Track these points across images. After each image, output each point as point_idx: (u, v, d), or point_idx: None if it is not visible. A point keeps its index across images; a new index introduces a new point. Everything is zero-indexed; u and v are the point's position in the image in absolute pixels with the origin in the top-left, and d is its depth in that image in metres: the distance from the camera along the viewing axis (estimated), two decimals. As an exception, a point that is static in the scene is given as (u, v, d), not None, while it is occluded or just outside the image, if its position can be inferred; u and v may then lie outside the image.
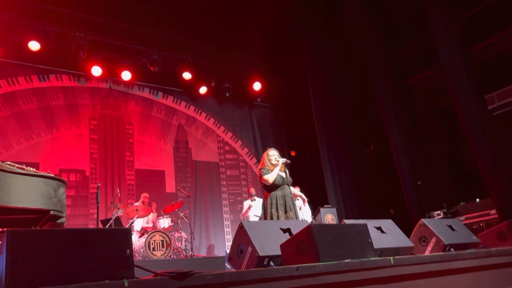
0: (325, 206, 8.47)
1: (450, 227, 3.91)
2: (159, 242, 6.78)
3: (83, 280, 1.61)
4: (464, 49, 7.58)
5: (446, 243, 3.61)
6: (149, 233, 6.79)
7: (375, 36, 8.97)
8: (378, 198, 9.25)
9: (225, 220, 9.95)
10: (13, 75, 8.30)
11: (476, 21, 7.95)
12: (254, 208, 8.16)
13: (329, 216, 8.15)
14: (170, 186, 9.58)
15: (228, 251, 9.23)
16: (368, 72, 9.12)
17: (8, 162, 2.96)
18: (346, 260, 2.32)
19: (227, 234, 9.84)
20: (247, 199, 8.90)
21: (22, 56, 8.25)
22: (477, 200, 7.57)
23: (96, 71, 8.88)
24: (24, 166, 3.04)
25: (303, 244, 2.37)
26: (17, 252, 1.54)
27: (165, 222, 7.43)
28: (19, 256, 1.54)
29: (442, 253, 3.08)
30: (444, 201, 8.07)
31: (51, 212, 3.01)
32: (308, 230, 2.34)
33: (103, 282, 1.62)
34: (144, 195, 7.99)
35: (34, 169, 3.05)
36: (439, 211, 7.85)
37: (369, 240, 2.53)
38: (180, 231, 7.83)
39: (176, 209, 7.88)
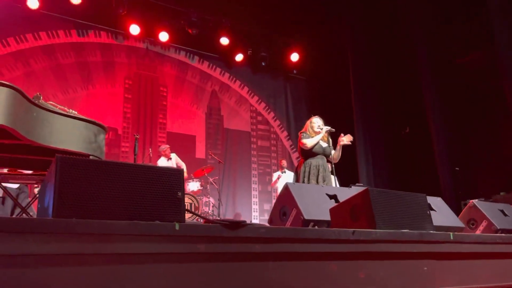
0: (356, 184, 8.23)
1: (502, 212, 3.66)
2: (188, 205, 6.76)
3: (133, 218, 1.49)
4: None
5: (498, 228, 3.37)
6: (178, 195, 6.76)
7: (423, 11, 8.47)
8: (412, 182, 8.90)
9: (253, 190, 9.86)
10: (53, 28, 8.29)
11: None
12: (283, 179, 8.02)
13: (360, 195, 7.92)
14: (200, 151, 9.52)
15: (254, 221, 9.20)
16: (413, 49, 8.66)
17: (51, 102, 2.87)
18: (404, 230, 2.14)
19: (254, 204, 9.76)
20: (276, 171, 8.75)
21: (62, 9, 8.21)
22: (518, 191, 7.21)
23: (134, 29, 8.79)
24: (66, 108, 2.95)
25: (357, 208, 2.20)
26: (67, 180, 1.42)
27: (194, 186, 7.40)
28: (68, 184, 1.43)
29: (504, 235, 2.85)
30: (482, 190, 7.73)
31: (91, 157, 2.92)
32: (365, 193, 2.16)
33: (154, 222, 1.50)
34: (165, 147, 7.61)
35: (76, 112, 2.96)
36: (476, 200, 7.52)
37: (428, 212, 2.34)
38: (209, 196, 7.80)
39: (206, 174, 7.83)
